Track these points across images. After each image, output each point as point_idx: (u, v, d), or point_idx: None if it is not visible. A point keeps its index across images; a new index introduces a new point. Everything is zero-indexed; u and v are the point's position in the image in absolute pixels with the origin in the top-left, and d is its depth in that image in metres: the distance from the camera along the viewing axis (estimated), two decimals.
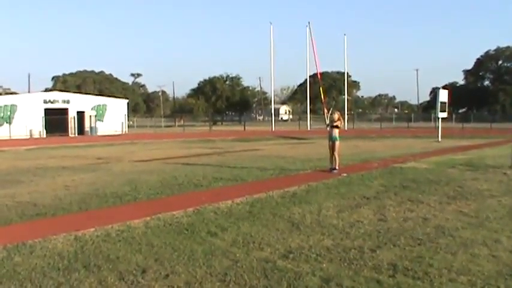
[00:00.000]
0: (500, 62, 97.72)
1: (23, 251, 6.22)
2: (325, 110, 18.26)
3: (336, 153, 14.30)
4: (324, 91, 22.03)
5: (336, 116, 14.60)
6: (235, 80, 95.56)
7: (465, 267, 5.42)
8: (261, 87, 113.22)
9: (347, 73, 69.39)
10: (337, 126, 14.39)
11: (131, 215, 8.22)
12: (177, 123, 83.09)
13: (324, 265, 5.55)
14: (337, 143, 14.30)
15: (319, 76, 20.34)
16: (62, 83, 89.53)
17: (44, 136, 44.90)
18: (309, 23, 23.56)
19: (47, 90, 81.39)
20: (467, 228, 7.26)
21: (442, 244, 6.37)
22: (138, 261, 5.75)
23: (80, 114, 49.50)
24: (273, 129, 55.54)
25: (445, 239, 6.66)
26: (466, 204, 9.12)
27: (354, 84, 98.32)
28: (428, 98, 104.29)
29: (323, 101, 20.01)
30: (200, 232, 7.13)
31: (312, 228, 7.32)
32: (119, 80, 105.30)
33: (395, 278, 5.11)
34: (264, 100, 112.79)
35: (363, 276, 5.17)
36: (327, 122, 15.06)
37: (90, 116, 50.10)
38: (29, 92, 79.08)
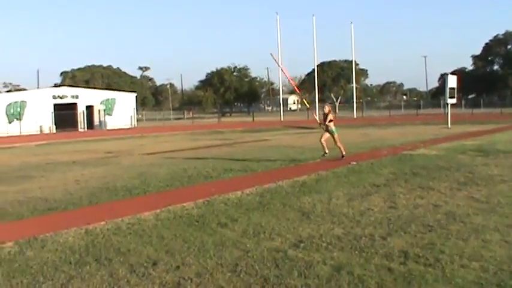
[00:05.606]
0: (509, 47, 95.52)
1: (35, 245, 6.26)
2: (315, 116, 18.69)
3: (338, 144, 14.40)
4: (308, 102, 23.18)
5: (327, 108, 14.90)
6: (243, 71, 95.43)
7: (477, 253, 5.38)
8: (268, 78, 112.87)
9: (355, 61, 69.00)
10: (330, 121, 14.45)
11: (141, 208, 8.25)
12: (185, 116, 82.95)
13: (335, 254, 5.54)
14: (336, 135, 14.43)
15: (292, 84, 20.70)
16: (70, 78, 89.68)
17: (54, 131, 45.12)
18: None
19: (56, 85, 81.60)
20: (479, 214, 7.21)
21: (453, 230, 6.34)
22: (149, 254, 5.77)
23: (89, 109, 49.70)
24: (282, 119, 55.39)
25: (456, 225, 6.62)
26: (477, 190, 9.06)
27: (362, 73, 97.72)
28: (437, 85, 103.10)
29: (308, 108, 20.34)
30: (210, 223, 7.14)
31: (322, 217, 7.31)
32: (127, 74, 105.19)
33: (407, 265, 5.09)
34: (272, 90, 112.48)
35: (374, 264, 5.15)
36: (319, 121, 15.36)
37: (99, 110, 50.31)
38: (38, 88, 79.36)
